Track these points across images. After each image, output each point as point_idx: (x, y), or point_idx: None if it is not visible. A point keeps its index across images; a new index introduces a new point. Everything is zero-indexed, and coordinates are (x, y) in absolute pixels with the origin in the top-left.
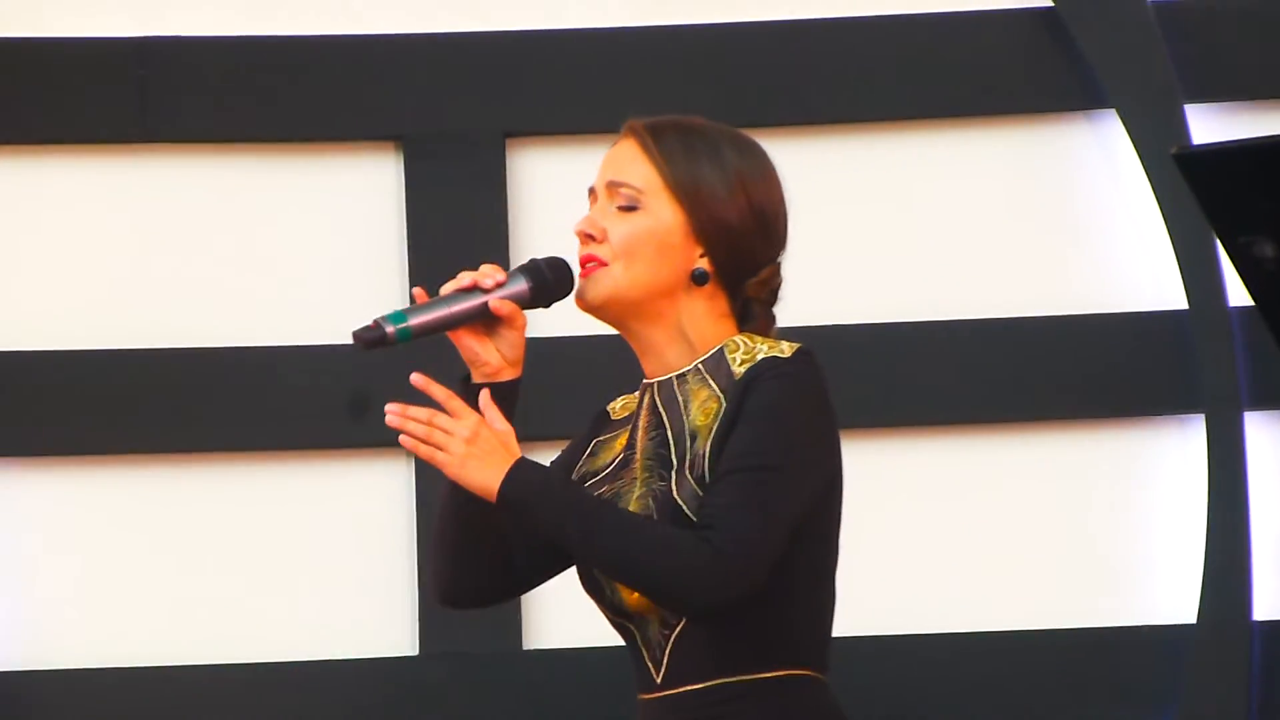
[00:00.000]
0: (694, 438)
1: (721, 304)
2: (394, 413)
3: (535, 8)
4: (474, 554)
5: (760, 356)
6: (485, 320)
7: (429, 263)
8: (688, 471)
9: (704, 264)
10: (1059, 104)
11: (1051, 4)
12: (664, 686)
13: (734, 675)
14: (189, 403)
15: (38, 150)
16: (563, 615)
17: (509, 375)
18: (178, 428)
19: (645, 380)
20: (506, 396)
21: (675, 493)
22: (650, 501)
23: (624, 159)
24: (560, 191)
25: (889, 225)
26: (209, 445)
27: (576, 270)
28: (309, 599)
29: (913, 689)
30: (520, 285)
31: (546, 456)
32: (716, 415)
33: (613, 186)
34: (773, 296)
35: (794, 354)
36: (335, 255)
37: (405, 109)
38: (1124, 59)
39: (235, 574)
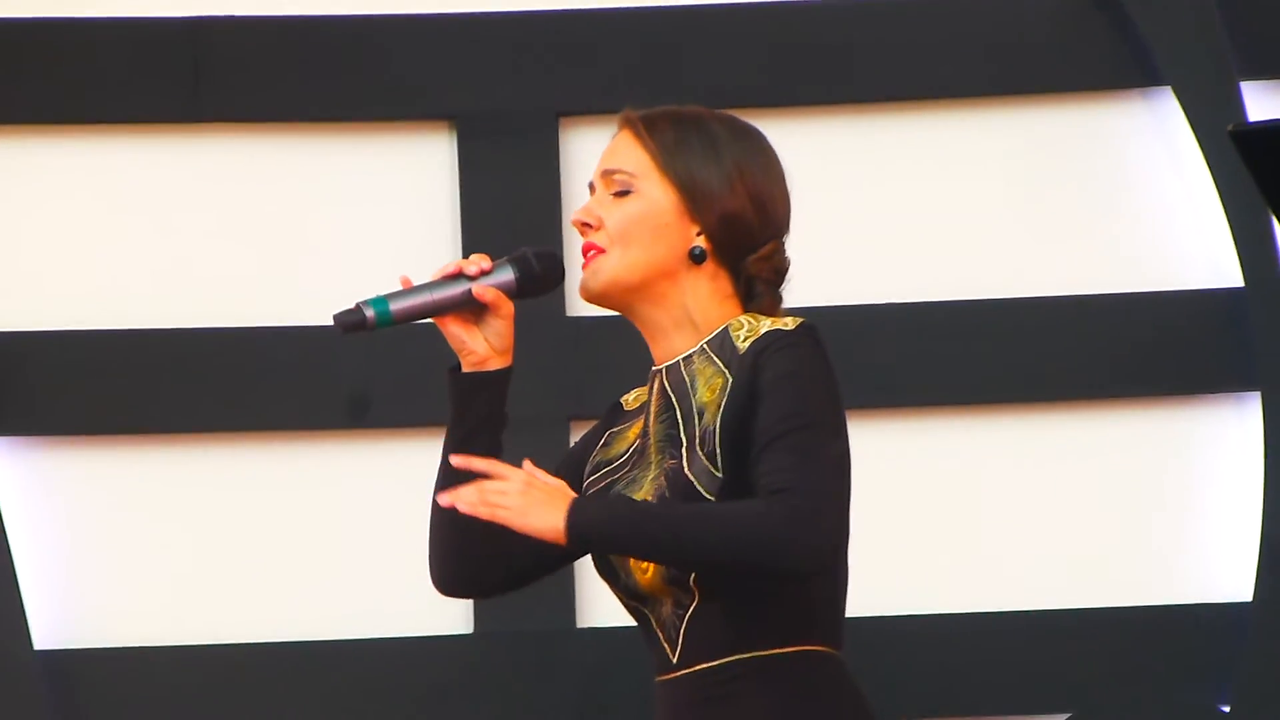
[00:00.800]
0: (701, 415)
1: (725, 284)
2: (446, 500)
3: None
4: (468, 545)
5: (764, 330)
6: (472, 309)
7: (482, 243)
8: (698, 448)
9: (701, 242)
10: (1115, 81)
11: None
12: (680, 666)
13: (749, 651)
14: (243, 382)
15: (92, 130)
16: None
17: (497, 364)
18: (232, 407)
19: (654, 367)
20: (496, 385)
21: (686, 469)
22: (663, 480)
23: (618, 149)
24: None
25: (946, 204)
26: (266, 424)
27: (578, 261)
28: (364, 578)
29: (968, 668)
30: (507, 275)
31: None
32: (720, 389)
33: (607, 175)
34: (777, 276)
35: (798, 327)
36: (389, 235)
37: (459, 89)
38: (1180, 36)
39: (290, 552)
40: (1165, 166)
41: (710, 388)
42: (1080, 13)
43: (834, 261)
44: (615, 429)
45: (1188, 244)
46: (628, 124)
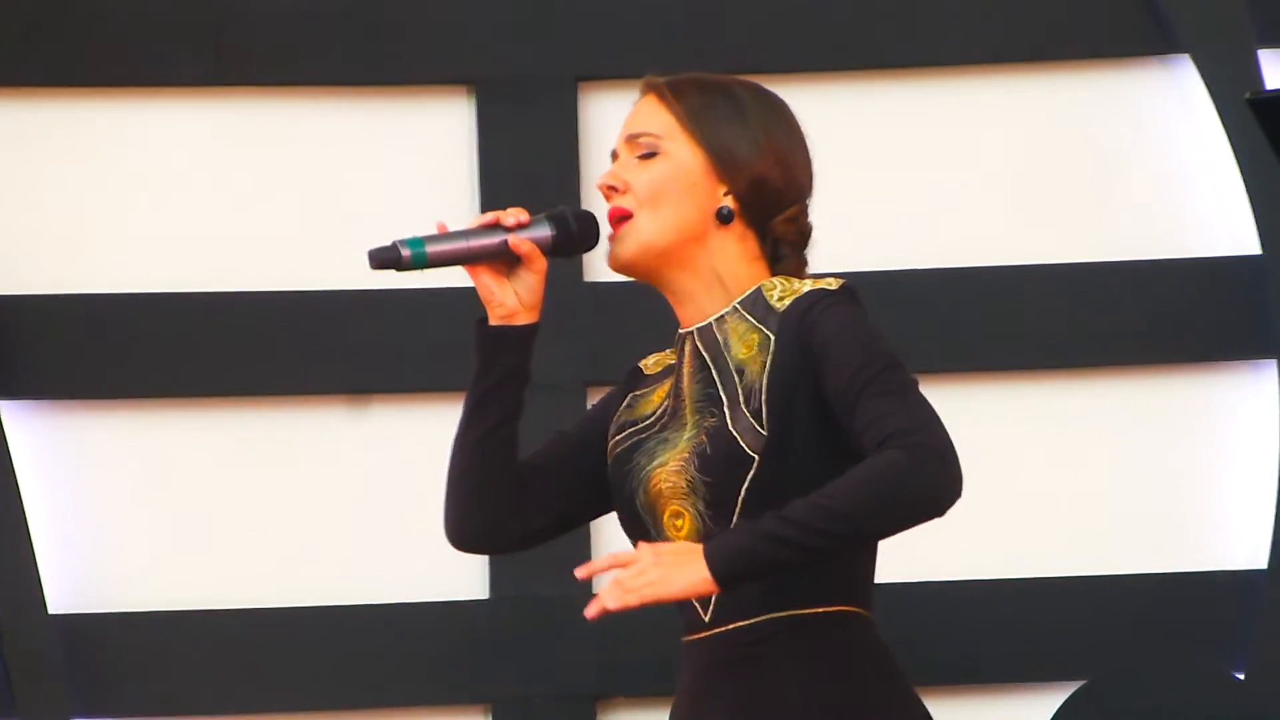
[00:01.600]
0: (741, 372)
1: (752, 245)
2: (591, 613)
3: None
4: (487, 495)
5: (806, 289)
6: (505, 260)
7: (501, 206)
8: (743, 405)
9: (728, 202)
10: (1133, 49)
11: None
12: (712, 625)
13: (782, 610)
14: (258, 346)
15: (112, 93)
16: None
17: (525, 319)
18: (247, 371)
19: (682, 330)
20: (523, 340)
21: (731, 426)
22: (704, 437)
23: (642, 113)
24: None
25: (961, 170)
26: (279, 389)
27: (606, 229)
28: (381, 542)
29: (983, 635)
30: (544, 230)
31: None
32: (760, 347)
33: (632, 139)
34: (802, 239)
35: (841, 287)
36: (407, 199)
37: (477, 53)
38: (1198, 3)
39: (306, 517)
40: (1183, 134)
41: (746, 344)
42: None
43: (854, 227)
44: (639, 392)
45: (1205, 211)
46: (651, 89)
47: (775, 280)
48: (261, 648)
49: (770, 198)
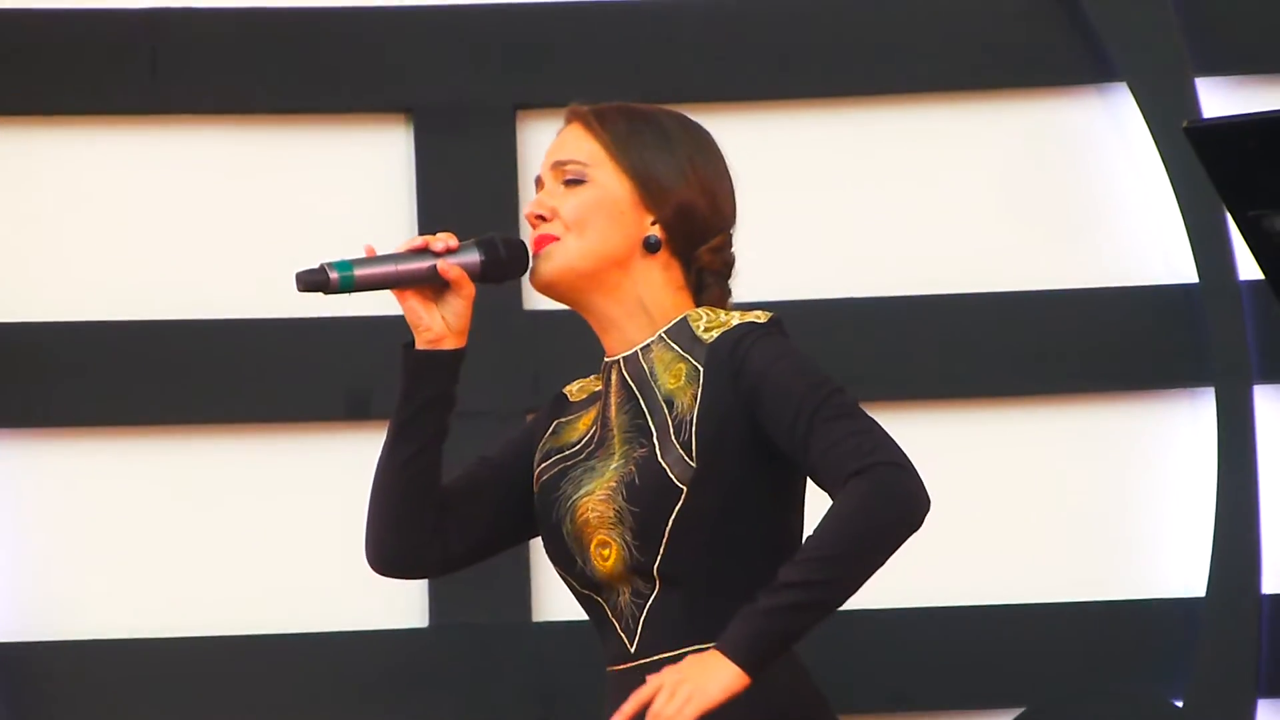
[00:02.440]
0: (670, 404)
1: (676, 274)
2: None
3: None
4: (407, 519)
5: (735, 322)
6: (433, 285)
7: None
8: (673, 436)
9: (656, 231)
10: (1070, 77)
11: None
12: (638, 655)
13: (706, 641)
14: (191, 374)
15: (49, 121)
16: None
17: (452, 344)
18: (179, 399)
19: (607, 359)
20: (449, 365)
21: (660, 457)
22: (632, 468)
23: (568, 141)
24: None
25: (897, 199)
26: (212, 417)
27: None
28: (319, 571)
29: (922, 663)
30: (472, 256)
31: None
32: (688, 378)
33: (558, 166)
34: (726, 268)
35: (768, 320)
36: (346, 227)
37: (416, 81)
38: (1135, 32)
39: (245, 546)
40: (1121, 162)
41: (674, 374)
42: (1036, 8)
43: (796, 257)
44: (563, 419)
45: (1143, 240)
46: (577, 117)
47: (701, 311)
48: (202, 676)
49: (696, 227)
